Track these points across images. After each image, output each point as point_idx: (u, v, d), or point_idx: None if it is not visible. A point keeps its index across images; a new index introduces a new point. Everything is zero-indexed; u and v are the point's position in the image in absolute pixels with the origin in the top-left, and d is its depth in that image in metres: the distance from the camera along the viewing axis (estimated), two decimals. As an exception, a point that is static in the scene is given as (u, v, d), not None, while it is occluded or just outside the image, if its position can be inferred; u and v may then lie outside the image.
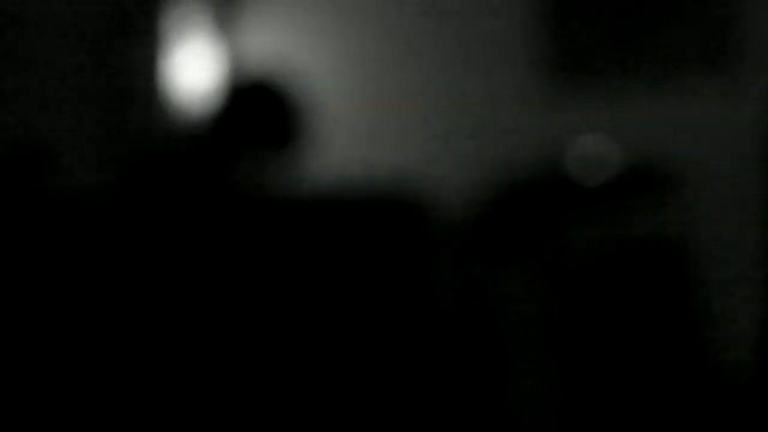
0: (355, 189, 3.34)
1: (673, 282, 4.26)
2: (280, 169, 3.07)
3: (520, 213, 4.19)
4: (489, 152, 4.36)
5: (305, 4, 4.73)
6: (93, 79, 4.28)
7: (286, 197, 3.12)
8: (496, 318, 4.00)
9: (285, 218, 2.94)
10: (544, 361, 3.95)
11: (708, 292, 4.28)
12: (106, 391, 3.06)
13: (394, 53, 4.58)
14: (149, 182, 3.48)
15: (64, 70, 4.25)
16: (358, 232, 3.12)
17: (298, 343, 2.98)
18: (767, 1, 4.75)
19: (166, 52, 4.37)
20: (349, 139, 4.08)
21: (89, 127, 4.31)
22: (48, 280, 3.13)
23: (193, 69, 4.50)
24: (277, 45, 4.70)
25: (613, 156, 4.23)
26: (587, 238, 4.05)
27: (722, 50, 4.37)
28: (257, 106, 3.16)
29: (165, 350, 3.01)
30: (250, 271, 2.87)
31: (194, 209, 2.98)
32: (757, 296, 4.03)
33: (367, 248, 3.15)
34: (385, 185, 3.39)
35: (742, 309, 4.10)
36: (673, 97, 4.44)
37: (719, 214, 4.31)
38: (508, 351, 3.96)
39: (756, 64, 4.43)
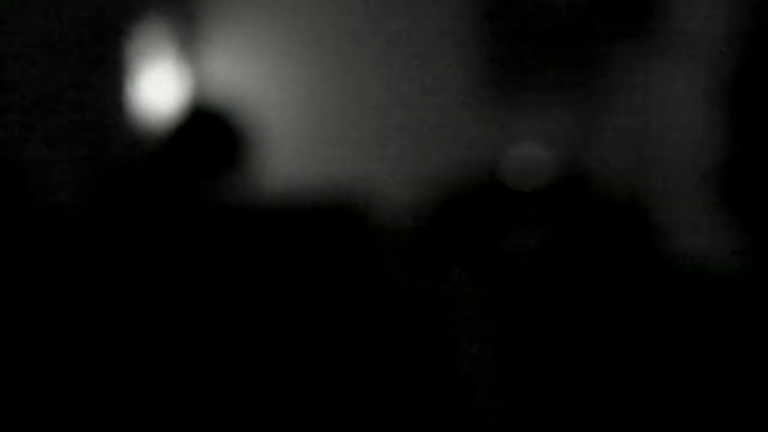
0: (302, 198, 3.60)
1: (600, 273, 4.13)
2: (234, 184, 3.22)
3: (458, 218, 4.37)
4: (430, 161, 4.56)
5: (255, 36, 4.94)
6: (65, 103, 4.44)
7: (239, 208, 3.24)
8: (436, 316, 3.96)
9: (238, 227, 3.10)
10: (485, 354, 4.36)
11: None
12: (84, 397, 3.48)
13: (338, 73, 4.81)
14: (117, 198, 3.57)
15: (38, 95, 4.40)
16: (305, 237, 3.31)
17: (261, 339, 3.07)
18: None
19: (132, 78, 4.55)
20: (299, 153, 4.23)
21: (61, 148, 4.45)
22: (26, 292, 3.26)
23: (157, 94, 4.70)
24: (230, 72, 4.89)
25: (545, 162, 4.44)
26: (522, 240, 4.22)
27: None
28: (213, 127, 3.27)
29: (141, 350, 3.03)
30: (209, 274, 2.99)
31: (158, 220, 3.12)
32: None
33: (312, 252, 3.31)
34: (330, 194, 3.63)
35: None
36: (598, 106, 4.63)
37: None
38: (448, 348, 3.96)
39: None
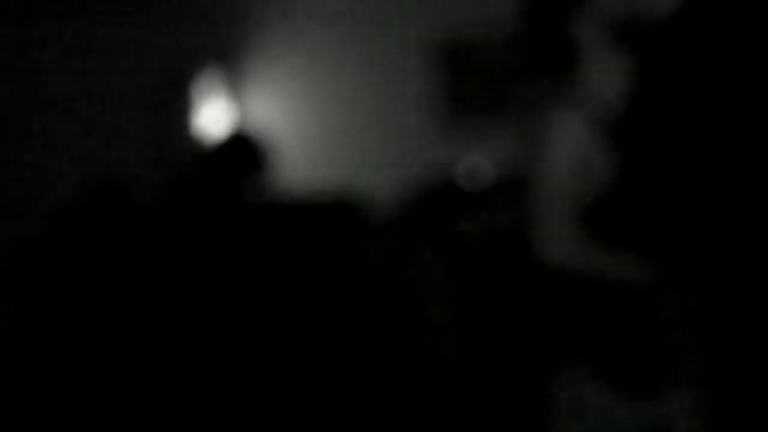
0: (316, 194, 4.81)
1: (526, 255, 6.02)
2: (264, 184, 4.27)
3: (424, 211, 5.52)
4: (403, 169, 5.72)
5: (280, 82, 6.18)
6: (147, 129, 5.96)
7: (270, 203, 4.32)
8: (408, 278, 5.36)
9: (268, 216, 4.22)
10: (445, 305, 5.28)
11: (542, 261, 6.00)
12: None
13: (339, 106, 6.06)
14: (189, 192, 4.82)
15: (127, 124, 5.98)
16: (319, 221, 4.50)
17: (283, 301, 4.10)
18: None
19: (194, 109, 6.01)
20: (312, 163, 5.38)
21: (143, 161, 5.91)
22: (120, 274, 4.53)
23: (209, 121, 6.11)
24: (261, 104, 6.18)
25: (488, 172, 5.67)
26: (466, 228, 5.42)
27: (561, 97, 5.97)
28: (249, 144, 4.29)
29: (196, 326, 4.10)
30: (245, 247, 4.05)
31: (207, 213, 4.25)
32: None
33: (320, 235, 4.48)
34: (334, 192, 4.85)
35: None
36: (531, 127, 6.05)
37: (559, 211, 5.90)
38: (415, 299, 5.29)
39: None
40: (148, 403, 4.39)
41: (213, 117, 6.18)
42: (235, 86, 6.32)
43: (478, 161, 5.86)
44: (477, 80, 6.11)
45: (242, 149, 4.36)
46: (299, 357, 4.16)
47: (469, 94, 6.14)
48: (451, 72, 6.18)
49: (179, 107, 6.18)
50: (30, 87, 6.34)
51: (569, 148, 2.79)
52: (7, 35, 6.31)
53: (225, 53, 6.38)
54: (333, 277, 4.60)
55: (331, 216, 4.88)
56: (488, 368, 5.28)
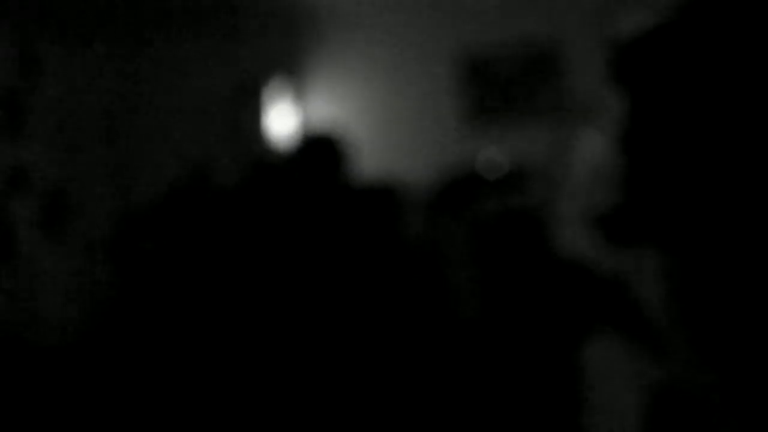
0: (369, 182, 5.27)
1: (537, 229, 5.82)
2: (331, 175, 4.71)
3: (453, 193, 6.13)
4: (438, 160, 6.30)
5: (336, 91, 6.71)
6: (227, 132, 6.64)
7: (336, 187, 4.73)
8: (440, 246, 6.01)
9: (339, 196, 4.65)
10: (466, 266, 5.93)
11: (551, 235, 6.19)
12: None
13: (385, 108, 6.64)
14: (259, 190, 5.38)
15: (209, 126, 6.63)
16: (372, 203, 5.01)
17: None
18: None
19: (265, 111, 6.60)
20: (363, 157, 5.43)
21: (224, 153, 6.58)
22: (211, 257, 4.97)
23: (278, 120, 6.67)
24: (325, 110, 6.70)
25: (503, 163, 6.25)
26: (486, 208, 6.08)
27: (564, 105, 6.28)
28: (316, 144, 4.71)
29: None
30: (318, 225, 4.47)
31: (283, 201, 4.70)
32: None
33: (376, 210, 5.00)
34: (384, 180, 5.45)
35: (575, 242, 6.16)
36: (538, 132, 6.32)
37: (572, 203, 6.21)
38: (443, 261, 5.93)
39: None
40: (225, 353, 4.91)
41: (281, 117, 6.78)
42: (298, 92, 6.88)
43: (494, 155, 6.41)
44: (496, 91, 6.69)
45: (312, 147, 4.81)
46: (354, 305, 4.58)
47: (489, 103, 6.73)
48: (476, 84, 6.76)
49: (253, 109, 6.77)
50: (139, 94, 7.04)
51: (588, 155, 2.95)
52: (122, 53, 6.97)
53: (290, 65, 6.92)
54: (385, 242, 5.24)
55: (382, 197, 5.56)
56: (500, 317, 6.01)
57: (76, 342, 6.48)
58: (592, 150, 2.91)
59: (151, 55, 7.07)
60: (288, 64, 6.92)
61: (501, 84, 6.72)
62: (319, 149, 4.85)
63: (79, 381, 5.71)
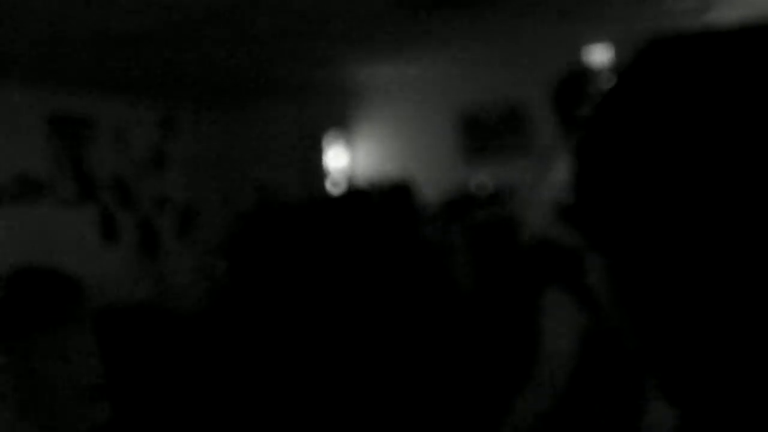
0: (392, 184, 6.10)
1: (509, 233, 6.27)
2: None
3: (453, 205, 6.97)
4: (445, 183, 7.09)
5: (374, 139, 7.56)
6: (300, 168, 7.58)
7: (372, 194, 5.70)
8: (443, 243, 6.73)
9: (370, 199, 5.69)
10: (465, 260, 6.64)
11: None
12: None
13: (407, 149, 7.46)
14: (321, 215, 6.13)
15: (288, 165, 7.59)
16: (397, 216, 5.99)
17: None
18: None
19: (325, 154, 7.49)
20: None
21: (294, 184, 7.53)
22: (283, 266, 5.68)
23: (334, 160, 7.53)
24: (370, 154, 7.59)
25: (489, 185, 7.11)
26: (478, 216, 6.85)
27: (530, 146, 7.13)
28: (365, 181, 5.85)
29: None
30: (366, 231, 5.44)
31: (337, 222, 5.59)
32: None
33: (400, 220, 5.99)
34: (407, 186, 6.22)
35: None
36: (512, 164, 7.11)
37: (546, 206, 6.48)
38: (447, 256, 6.63)
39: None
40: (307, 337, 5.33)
41: (335, 158, 7.68)
42: (347, 141, 7.73)
43: (482, 181, 7.17)
44: (482, 137, 7.54)
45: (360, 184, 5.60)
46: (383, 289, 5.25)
47: (477, 145, 7.58)
48: (468, 132, 7.58)
49: (317, 152, 7.65)
50: (239, 142, 7.93)
51: (560, 176, 2.85)
52: (229, 115, 7.76)
53: (342, 123, 7.77)
54: (406, 242, 6.10)
55: (403, 210, 6.42)
56: (494, 297, 6.39)
57: (199, 313, 7.15)
58: (561, 173, 2.84)
59: (248, 115, 7.92)
60: (340, 121, 7.74)
61: (486, 132, 7.55)
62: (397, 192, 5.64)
63: (200, 340, 6.27)
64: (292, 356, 5.10)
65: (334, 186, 7.52)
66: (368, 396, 4.65)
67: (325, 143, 7.69)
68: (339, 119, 7.81)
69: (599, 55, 7.22)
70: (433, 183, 7.40)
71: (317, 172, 7.67)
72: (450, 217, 7.17)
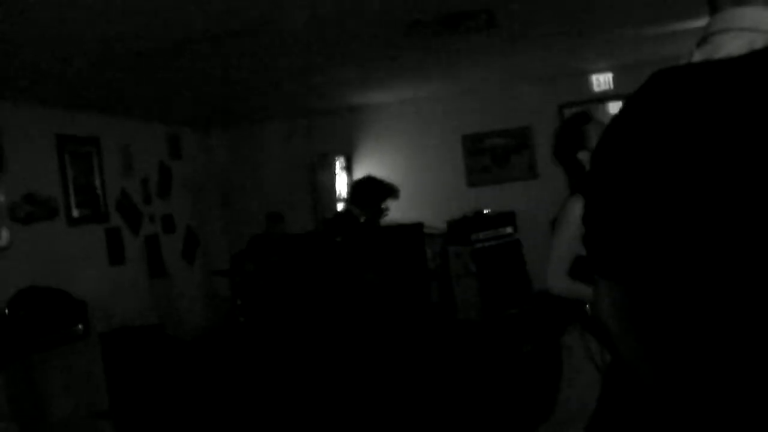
0: (403, 223, 6.37)
1: (516, 254, 7.12)
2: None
3: (461, 226, 7.04)
4: (451, 208, 7.21)
5: (377, 163, 7.54)
6: (306, 192, 7.57)
7: (380, 224, 5.53)
8: (447, 263, 6.90)
9: (380, 232, 5.51)
10: (470, 279, 6.83)
11: (525, 261, 7.01)
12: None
13: (410, 173, 7.43)
14: (324, 231, 6.24)
15: (295, 183, 7.61)
16: (402, 234, 6.29)
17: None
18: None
19: (334, 175, 7.50)
20: (398, 207, 5.81)
21: (300, 207, 7.55)
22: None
23: (341, 180, 7.51)
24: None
25: (490, 206, 7.26)
26: (483, 236, 7.01)
27: (533, 169, 7.43)
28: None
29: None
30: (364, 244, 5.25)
31: (351, 233, 5.35)
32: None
33: (403, 239, 6.40)
34: (413, 221, 6.51)
35: (542, 264, 7.07)
36: (508, 192, 7.37)
37: (532, 232, 6.94)
38: (453, 274, 6.82)
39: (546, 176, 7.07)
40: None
41: (341, 179, 7.77)
42: (350, 165, 7.87)
43: (484, 205, 7.39)
44: (486, 159, 7.69)
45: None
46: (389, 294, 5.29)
47: (482, 167, 7.73)
48: (471, 154, 7.74)
49: (327, 173, 7.75)
50: (246, 163, 7.95)
51: (576, 214, 2.75)
52: (235, 136, 7.84)
53: (348, 150, 7.92)
54: (410, 256, 6.42)
55: (414, 231, 6.77)
56: (497, 313, 6.67)
57: (201, 335, 7.22)
58: (577, 213, 2.74)
59: (255, 136, 8.00)
60: (347, 144, 7.87)
61: (490, 155, 7.70)
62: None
63: (201, 363, 6.33)
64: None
65: (339, 204, 7.57)
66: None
67: (333, 164, 7.77)
68: (345, 142, 7.92)
69: (601, 83, 7.34)
70: (437, 206, 7.54)
71: (325, 191, 7.74)
72: (455, 238, 7.26)
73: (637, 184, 1.11)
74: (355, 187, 5.26)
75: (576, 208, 2.87)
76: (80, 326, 5.14)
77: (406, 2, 4.11)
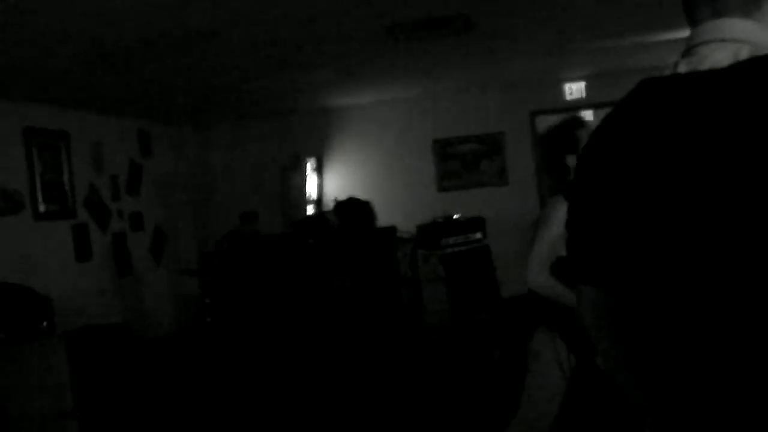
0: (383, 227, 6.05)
1: (485, 260, 7.14)
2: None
3: (431, 231, 7.09)
4: (421, 212, 7.27)
5: (346, 166, 7.58)
6: (276, 192, 7.54)
7: (363, 230, 5.51)
8: (416, 267, 6.92)
9: (368, 235, 5.50)
10: (438, 284, 6.88)
11: (495, 267, 7.09)
12: None
13: (383, 184, 7.51)
14: (299, 229, 6.31)
15: (267, 185, 7.61)
16: (374, 237, 5.90)
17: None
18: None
19: (304, 176, 7.52)
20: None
21: (270, 208, 7.52)
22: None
23: (310, 182, 7.56)
24: (337, 179, 7.61)
25: (460, 212, 7.30)
26: (453, 241, 7.05)
27: (504, 175, 7.51)
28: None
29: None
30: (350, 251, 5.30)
31: (318, 237, 5.61)
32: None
33: (383, 239, 6.02)
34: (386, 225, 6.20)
35: (511, 270, 6.56)
36: (478, 197, 7.45)
37: (501, 238, 7.12)
38: (421, 279, 6.86)
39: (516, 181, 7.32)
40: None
41: (312, 181, 7.78)
42: (322, 167, 7.89)
43: (453, 210, 7.44)
44: (457, 165, 7.77)
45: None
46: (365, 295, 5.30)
47: (451, 171, 7.81)
48: (442, 158, 7.80)
49: (298, 175, 7.75)
50: (215, 162, 7.97)
51: (561, 217, 2.51)
52: (205, 134, 7.83)
53: (319, 151, 7.92)
54: (385, 266, 6.07)
55: (386, 234, 6.51)
56: (465, 318, 6.71)
57: (168, 334, 7.15)
58: (560, 214, 2.54)
59: (226, 135, 7.99)
60: (319, 145, 7.88)
61: (460, 160, 7.79)
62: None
63: (169, 361, 6.28)
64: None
65: (309, 206, 7.61)
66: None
67: (304, 167, 7.78)
68: (318, 144, 7.92)
69: (574, 92, 7.36)
70: (407, 210, 7.55)
71: (297, 193, 7.75)
72: (425, 243, 7.28)
73: (622, 191, 1.13)
74: (339, 207, 5.35)
75: (559, 208, 2.88)
76: (45, 323, 5.03)
77: (384, 5, 4.10)
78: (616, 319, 1.21)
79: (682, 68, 1.16)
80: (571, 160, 2.96)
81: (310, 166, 7.65)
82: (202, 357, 6.32)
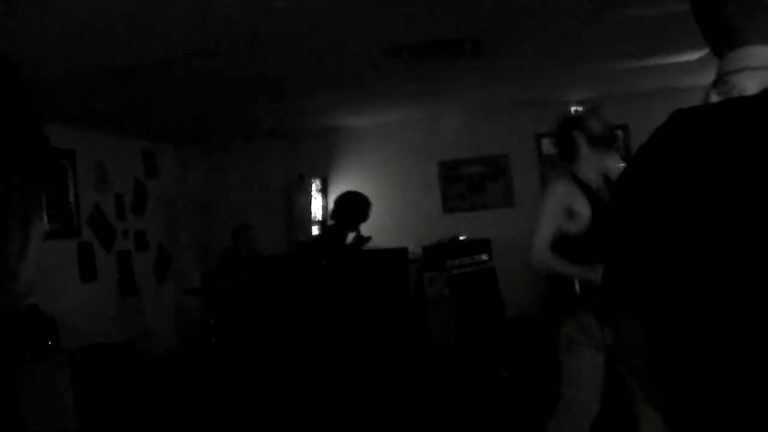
0: (385, 248, 6.28)
1: (491, 281, 7.08)
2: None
3: (436, 252, 7.00)
4: (427, 234, 7.19)
5: (351, 186, 7.38)
6: (281, 213, 7.51)
7: (361, 247, 5.61)
8: (423, 289, 6.84)
9: (361, 255, 5.54)
10: (443, 305, 6.78)
11: (500, 288, 7.03)
12: None
13: (387, 203, 7.29)
14: (303, 253, 6.23)
15: (272, 204, 7.57)
16: (387, 259, 6.20)
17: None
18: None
19: (310, 195, 7.44)
20: (376, 232, 6.09)
21: (280, 232, 7.50)
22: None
23: (316, 202, 7.45)
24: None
25: (466, 233, 7.26)
26: (459, 263, 6.98)
27: (509, 197, 7.50)
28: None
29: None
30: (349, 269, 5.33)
31: (329, 255, 5.44)
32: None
33: (388, 264, 6.24)
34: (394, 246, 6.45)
35: (517, 291, 6.76)
36: (484, 219, 7.43)
37: (507, 260, 7.00)
38: (427, 300, 6.76)
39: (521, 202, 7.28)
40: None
41: (317, 202, 7.72)
42: (326, 187, 7.85)
43: (459, 231, 7.39)
44: (462, 186, 7.73)
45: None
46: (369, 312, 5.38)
47: (457, 193, 7.76)
48: (448, 180, 7.77)
49: (303, 195, 7.68)
50: (221, 182, 7.90)
51: (559, 193, 3.18)
52: (211, 154, 7.80)
53: (324, 172, 7.87)
54: (394, 281, 6.35)
55: (394, 255, 6.68)
56: (470, 339, 6.67)
57: (172, 354, 7.12)
58: (560, 191, 3.15)
59: (231, 155, 7.93)
60: (324, 166, 7.86)
61: (466, 182, 7.76)
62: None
63: (173, 381, 6.27)
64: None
65: (314, 227, 7.55)
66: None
67: (310, 185, 7.73)
68: (320, 162, 7.88)
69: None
70: (412, 231, 7.52)
71: (303, 212, 7.69)
72: (431, 263, 7.19)
73: (660, 221, 1.13)
74: (338, 202, 5.46)
75: (559, 186, 3.21)
76: (49, 342, 5.02)
77: (391, 27, 4.10)
78: (653, 349, 1.20)
79: (714, 98, 1.17)
80: (576, 134, 3.32)
81: (315, 187, 7.62)
82: (206, 378, 6.25)
